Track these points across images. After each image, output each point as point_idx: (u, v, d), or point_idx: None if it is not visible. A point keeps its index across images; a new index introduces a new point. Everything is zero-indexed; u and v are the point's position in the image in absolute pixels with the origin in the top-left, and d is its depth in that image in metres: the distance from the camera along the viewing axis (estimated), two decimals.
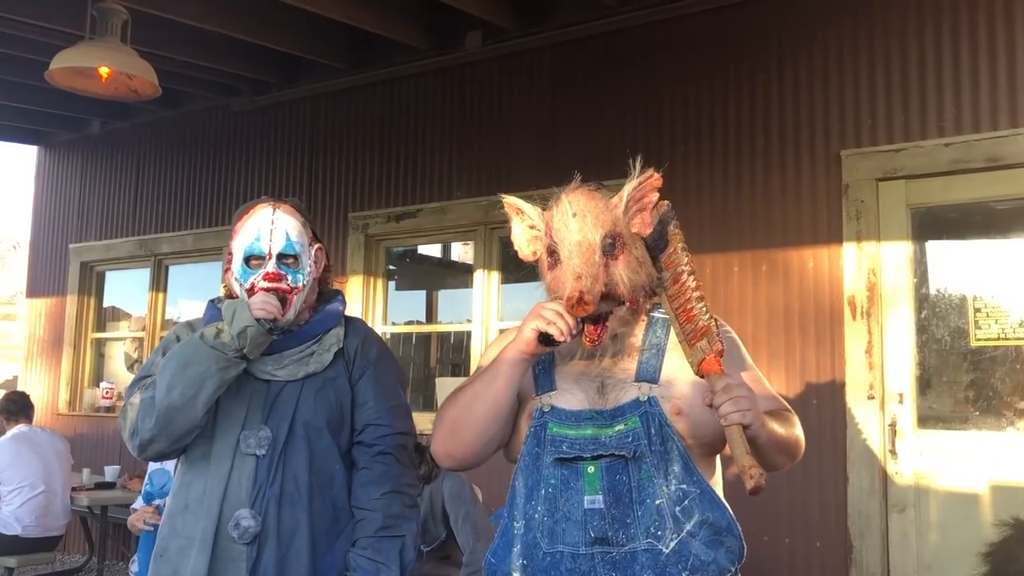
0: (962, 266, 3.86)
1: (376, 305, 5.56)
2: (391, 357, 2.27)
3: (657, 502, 1.62)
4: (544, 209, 1.77)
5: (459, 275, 6.35)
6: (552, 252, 1.71)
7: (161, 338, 6.67)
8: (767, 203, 4.15)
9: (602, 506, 1.63)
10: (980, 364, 3.76)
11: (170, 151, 6.78)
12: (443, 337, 6.10)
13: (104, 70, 4.15)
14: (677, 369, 1.70)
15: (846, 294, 3.90)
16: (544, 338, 1.65)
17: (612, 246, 1.67)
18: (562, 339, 1.63)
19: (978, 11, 3.76)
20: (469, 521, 3.49)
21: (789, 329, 4.03)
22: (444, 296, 6.43)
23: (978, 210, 3.87)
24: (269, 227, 2.08)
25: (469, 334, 5.24)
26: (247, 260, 2.08)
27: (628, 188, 1.73)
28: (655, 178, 1.73)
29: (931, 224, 3.93)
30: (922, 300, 3.86)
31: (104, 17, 4.26)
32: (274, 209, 2.11)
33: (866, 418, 3.81)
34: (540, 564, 1.66)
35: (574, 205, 1.70)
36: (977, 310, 3.75)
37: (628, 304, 1.70)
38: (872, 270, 3.86)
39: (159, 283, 6.84)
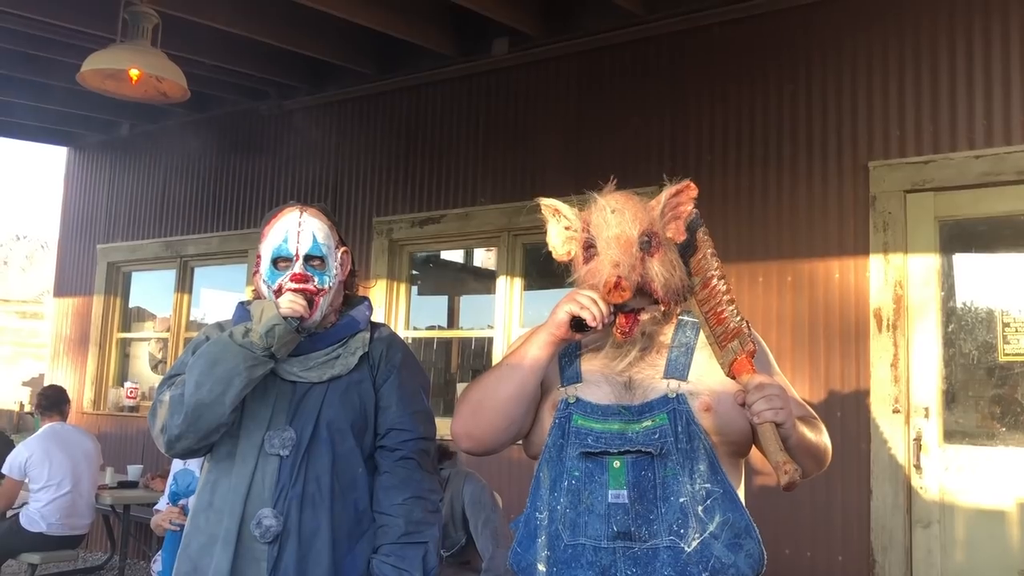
0: (990, 280, 3.81)
1: (399, 310, 5.58)
2: (415, 363, 2.29)
3: (681, 500, 1.63)
4: (581, 211, 1.80)
5: (482, 281, 6.36)
6: (589, 246, 1.74)
7: (186, 340, 6.76)
8: (793, 213, 4.13)
9: (626, 501, 1.64)
10: (1008, 379, 3.71)
11: (197, 154, 6.85)
12: (464, 343, 6.11)
13: (134, 72, 4.20)
14: (706, 367, 1.72)
15: (872, 306, 3.87)
16: (576, 323, 1.68)
17: (648, 243, 1.71)
18: (594, 324, 1.65)
19: (1011, 22, 3.72)
20: (489, 527, 3.49)
21: (814, 341, 4.01)
22: (466, 301, 6.44)
23: (1008, 224, 3.83)
24: (296, 229, 2.12)
25: (491, 340, 5.25)
26: (275, 262, 2.12)
27: (666, 193, 1.77)
28: (692, 188, 1.77)
29: (959, 237, 3.90)
30: (949, 314, 3.82)
31: (135, 21, 4.32)
32: (301, 212, 2.15)
33: (891, 431, 3.78)
34: (562, 556, 1.68)
35: (612, 203, 1.74)
36: (1005, 325, 3.71)
37: (661, 304, 1.72)
38: (899, 282, 3.83)
39: (184, 284, 6.90)
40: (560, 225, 1.83)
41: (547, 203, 1.85)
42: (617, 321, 1.69)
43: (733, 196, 4.29)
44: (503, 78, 5.23)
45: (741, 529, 1.65)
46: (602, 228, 1.71)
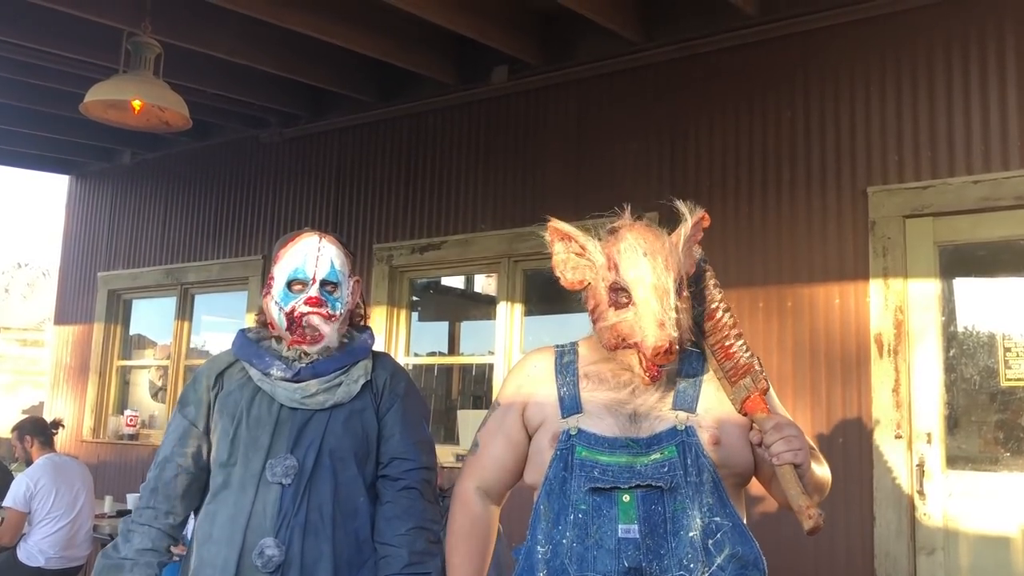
0: (991, 304, 3.81)
1: (399, 336, 5.58)
2: (418, 392, 2.30)
3: (691, 534, 1.62)
4: (600, 240, 1.74)
5: (482, 307, 6.36)
6: (618, 290, 1.68)
7: (187, 368, 6.71)
8: (793, 239, 4.14)
9: (637, 536, 1.62)
10: (1010, 404, 3.70)
11: (198, 182, 6.87)
12: (465, 369, 6.10)
13: (137, 103, 4.22)
14: (714, 399, 1.70)
15: (873, 331, 3.87)
16: None
17: (678, 290, 1.66)
18: None
19: (1006, 47, 3.75)
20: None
21: (815, 366, 4.00)
22: (467, 328, 6.43)
23: (1007, 248, 3.83)
24: (315, 254, 2.15)
25: (491, 366, 5.24)
26: (290, 284, 2.13)
27: (685, 229, 1.72)
28: (706, 218, 1.74)
29: (959, 262, 3.90)
30: (950, 338, 3.82)
31: (138, 51, 4.35)
32: (320, 238, 2.18)
33: (893, 458, 3.76)
34: None
35: (642, 243, 1.67)
36: (1007, 349, 3.70)
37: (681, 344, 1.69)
38: (899, 307, 3.83)
39: (185, 311, 6.90)
40: (570, 250, 1.76)
41: (557, 227, 1.77)
42: (646, 367, 1.63)
43: (732, 221, 4.30)
44: (503, 105, 5.26)
45: (749, 561, 1.63)
46: (636, 273, 1.64)
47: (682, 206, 1.74)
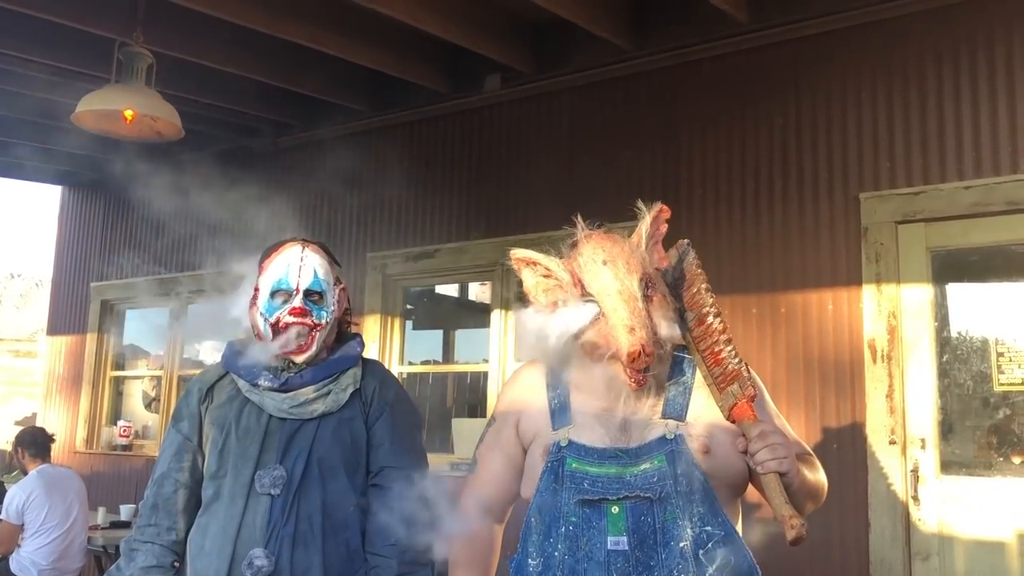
0: (984, 310, 3.82)
1: (393, 344, 5.57)
2: (408, 401, 2.29)
3: (681, 545, 1.60)
4: (558, 257, 1.73)
5: (476, 315, 6.36)
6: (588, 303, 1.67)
7: (180, 378, 6.68)
8: (785, 245, 4.14)
9: (626, 548, 1.60)
10: (1003, 409, 3.70)
11: (190, 191, 6.84)
12: (460, 377, 6.09)
13: (129, 113, 4.22)
14: (704, 407, 1.68)
15: (866, 337, 3.87)
16: None
17: (646, 288, 1.65)
18: None
19: (996, 53, 3.77)
20: None
21: (809, 372, 4.00)
22: (461, 336, 6.43)
23: (998, 253, 3.85)
24: (298, 264, 2.14)
25: (486, 374, 5.23)
26: (273, 295, 2.13)
27: (644, 226, 1.73)
28: (666, 211, 1.74)
29: (951, 267, 3.91)
30: (943, 344, 3.82)
31: (130, 61, 4.35)
32: (303, 247, 2.18)
33: (888, 463, 3.76)
34: None
35: (601, 252, 1.66)
36: (1000, 354, 3.71)
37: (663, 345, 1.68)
38: (892, 313, 3.84)
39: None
40: (537, 274, 1.73)
41: (519, 256, 1.75)
42: (631, 374, 1.62)
43: (725, 229, 4.31)
44: (495, 114, 5.27)
45: (743, 571, 1.61)
46: (599, 284, 1.63)
47: (641, 205, 1.74)
